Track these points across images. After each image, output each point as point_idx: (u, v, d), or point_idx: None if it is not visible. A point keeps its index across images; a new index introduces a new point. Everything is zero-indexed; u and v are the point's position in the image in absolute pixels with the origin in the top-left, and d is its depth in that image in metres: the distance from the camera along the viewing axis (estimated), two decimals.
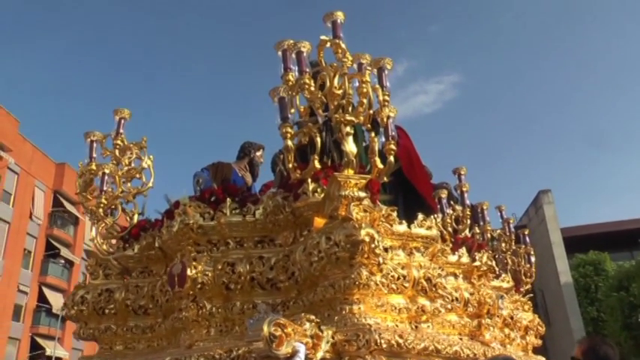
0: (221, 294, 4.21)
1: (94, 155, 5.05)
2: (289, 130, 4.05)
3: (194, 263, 4.16)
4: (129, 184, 5.38)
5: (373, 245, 3.62)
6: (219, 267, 4.19)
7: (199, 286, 4.13)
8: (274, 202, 4.21)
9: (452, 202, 6.07)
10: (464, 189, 6.04)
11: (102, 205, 4.91)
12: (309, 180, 4.09)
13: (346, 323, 3.60)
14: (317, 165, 4.00)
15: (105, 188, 4.96)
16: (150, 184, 5.34)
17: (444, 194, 5.76)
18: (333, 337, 3.34)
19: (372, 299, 4.23)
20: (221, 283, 4.16)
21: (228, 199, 4.39)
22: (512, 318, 6.24)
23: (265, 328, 2.90)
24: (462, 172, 6.16)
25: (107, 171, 4.97)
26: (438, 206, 5.75)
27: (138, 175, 5.21)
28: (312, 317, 3.23)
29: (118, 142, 5.09)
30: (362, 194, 3.86)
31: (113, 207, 5.08)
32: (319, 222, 3.98)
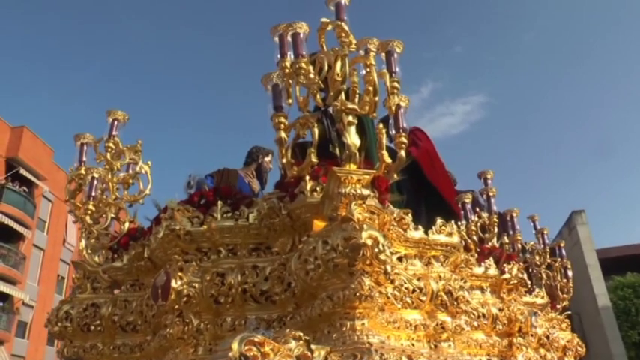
0: (210, 308, 3.63)
1: (84, 159, 4.57)
2: (282, 120, 3.49)
3: (179, 273, 3.60)
4: (125, 192, 4.88)
5: (377, 250, 3.00)
6: (208, 277, 3.62)
7: (185, 299, 3.56)
8: (269, 205, 3.64)
9: (478, 210, 5.41)
10: (490, 194, 5.37)
11: (89, 212, 4.42)
12: (307, 178, 3.52)
13: (345, 341, 2.97)
14: (314, 159, 3.43)
15: (93, 194, 4.47)
16: (147, 192, 4.84)
17: (468, 199, 5.11)
18: (327, 358, 2.72)
19: (383, 314, 3.61)
20: (209, 296, 3.59)
21: (219, 202, 3.84)
22: (547, 337, 5.50)
23: (235, 346, 2.31)
24: (489, 177, 5.49)
25: (96, 175, 4.49)
26: (462, 212, 5.10)
27: (131, 181, 4.71)
28: (299, 334, 2.62)
29: (111, 145, 4.59)
30: (365, 192, 3.25)
31: (104, 215, 4.57)
32: (319, 225, 3.38)
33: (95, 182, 4.48)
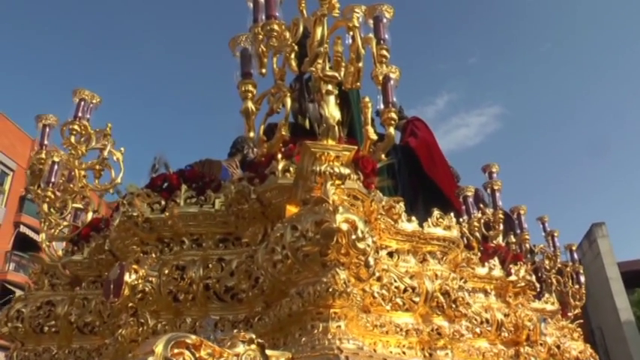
0: (169, 306, 3.08)
1: (46, 143, 4.07)
2: (250, 88, 2.95)
3: (134, 266, 3.05)
4: (96, 181, 4.38)
5: (354, 237, 2.44)
6: (167, 271, 3.08)
7: (140, 295, 3.01)
8: (237, 188, 3.09)
9: (482, 206, 4.83)
10: (495, 187, 4.77)
11: (47, 200, 3.90)
12: (280, 156, 2.97)
13: (314, 346, 2.41)
14: (284, 133, 2.88)
15: (53, 180, 3.95)
16: (118, 180, 4.32)
17: (470, 192, 4.53)
18: None
19: (369, 317, 3.06)
20: (168, 292, 3.04)
21: (184, 186, 3.30)
22: (558, 347, 4.88)
23: (159, 349, 1.76)
24: (494, 170, 4.90)
25: (57, 159, 3.97)
26: (463, 207, 4.52)
27: (98, 167, 4.19)
28: (252, 336, 2.06)
29: (75, 127, 4.08)
30: (345, 171, 2.70)
31: (63, 203, 4.05)
32: (292, 211, 2.83)
33: (56, 167, 3.96)
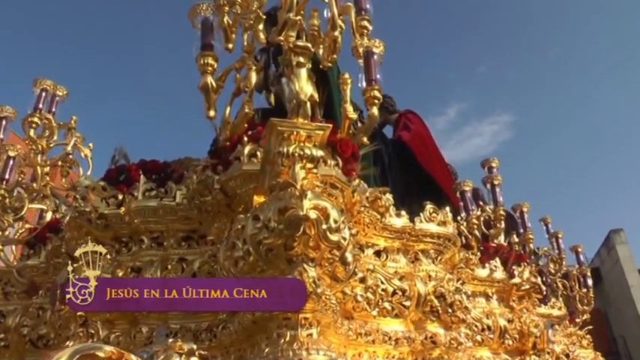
0: (124, 314, 2.67)
1: (1, 137, 3.68)
2: (210, 61, 2.55)
3: None
4: (63, 180, 4.00)
5: (325, 227, 2.03)
6: (121, 274, 2.67)
7: None
8: (199, 178, 2.68)
9: (481, 203, 4.41)
10: (495, 182, 4.33)
11: (0, 199, 3.49)
12: (245, 139, 2.56)
13: (277, 358, 1.99)
14: (248, 110, 2.48)
15: (7, 176, 3.55)
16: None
17: (467, 187, 4.11)
18: None
19: (352, 324, 2.64)
20: None
21: (142, 177, 2.90)
22: (567, 355, 4.45)
23: None
24: (494, 165, 4.47)
25: (12, 154, 3.58)
26: (461, 204, 4.10)
27: (60, 163, 3.80)
28: (192, 347, 1.64)
29: (35, 120, 3.70)
30: (318, 152, 2.28)
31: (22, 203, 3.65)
32: (259, 202, 2.43)
33: (11, 162, 3.56)
